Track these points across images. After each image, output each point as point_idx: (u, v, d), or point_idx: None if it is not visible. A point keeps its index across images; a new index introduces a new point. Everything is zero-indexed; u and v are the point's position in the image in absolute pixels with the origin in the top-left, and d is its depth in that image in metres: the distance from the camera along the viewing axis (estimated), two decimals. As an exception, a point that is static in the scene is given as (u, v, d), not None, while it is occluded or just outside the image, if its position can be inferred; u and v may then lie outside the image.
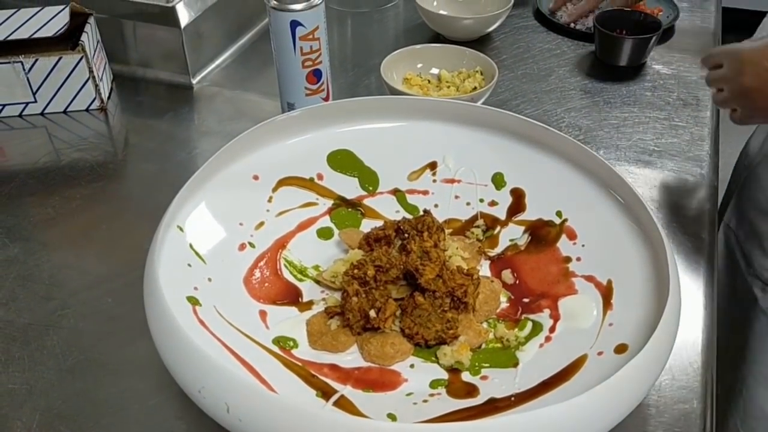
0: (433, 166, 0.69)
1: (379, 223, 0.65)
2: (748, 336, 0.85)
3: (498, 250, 0.64)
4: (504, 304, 0.59)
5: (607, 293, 0.56)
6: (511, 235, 0.65)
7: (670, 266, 0.52)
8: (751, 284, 0.84)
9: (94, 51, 0.84)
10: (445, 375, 0.54)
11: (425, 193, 0.68)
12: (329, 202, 0.67)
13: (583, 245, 0.61)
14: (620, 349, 0.51)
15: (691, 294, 0.62)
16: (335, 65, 0.93)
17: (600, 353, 0.51)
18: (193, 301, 0.54)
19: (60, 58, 0.81)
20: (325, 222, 0.66)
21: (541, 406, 0.43)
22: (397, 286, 0.57)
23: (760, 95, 0.64)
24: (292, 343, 0.55)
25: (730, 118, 0.69)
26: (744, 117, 0.68)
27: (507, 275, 0.61)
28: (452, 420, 0.48)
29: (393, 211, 0.68)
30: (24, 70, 0.81)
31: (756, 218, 0.83)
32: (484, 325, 0.58)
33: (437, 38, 0.98)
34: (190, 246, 0.57)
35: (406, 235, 0.60)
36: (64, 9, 0.83)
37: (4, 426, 0.52)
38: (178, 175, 0.59)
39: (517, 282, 0.61)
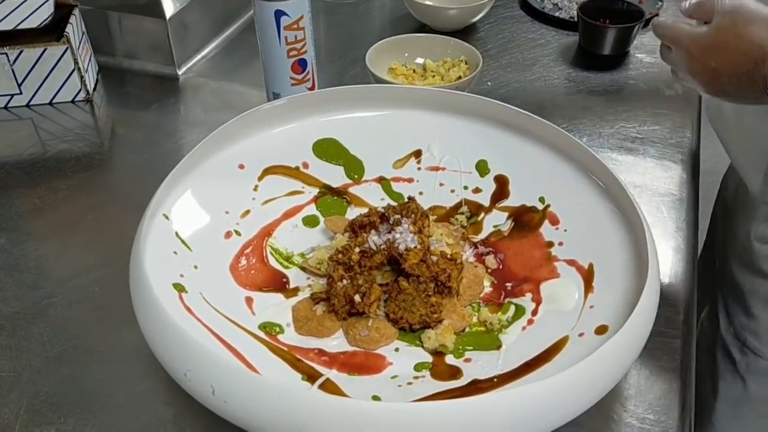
0: (417, 154, 0.70)
1: (365, 210, 0.66)
2: (717, 399, 0.79)
3: (482, 235, 0.65)
4: (487, 288, 0.60)
5: (588, 276, 0.57)
6: (495, 221, 0.65)
7: (649, 249, 0.52)
8: (729, 344, 0.79)
9: (80, 42, 0.84)
10: (429, 358, 0.54)
11: (410, 180, 0.69)
12: (315, 191, 0.68)
13: (565, 230, 0.62)
14: (601, 330, 0.51)
15: (672, 277, 0.63)
16: (321, 56, 0.93)
17: (581, 334, 0.52)
18: (179, 288, 0.54)
19: (45, 50, 0.81)
20: (311, 210, 0.67)
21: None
22: (382, 272, 0.58)
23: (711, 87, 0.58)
24: (278, 329, 0.56)
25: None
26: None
27: (490, 260, 0.62)
28: (436, 401, 0.49)
29: (378, 199, 0.68)
30: (9, 61, 0.81)
31: (738, 272, 0.77)
32: (468, 309, 0.58)
33: (422, 28, 0.99)
34: (176, 234, 0.58)
35: (391, 221, 0.61)
36: (48, 0, 0.83)
37: (-9, 413, 0.52)
38: (164, 165, 0.59)
39: (501, 267, 0.62)
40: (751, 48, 0.52)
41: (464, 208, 0.67)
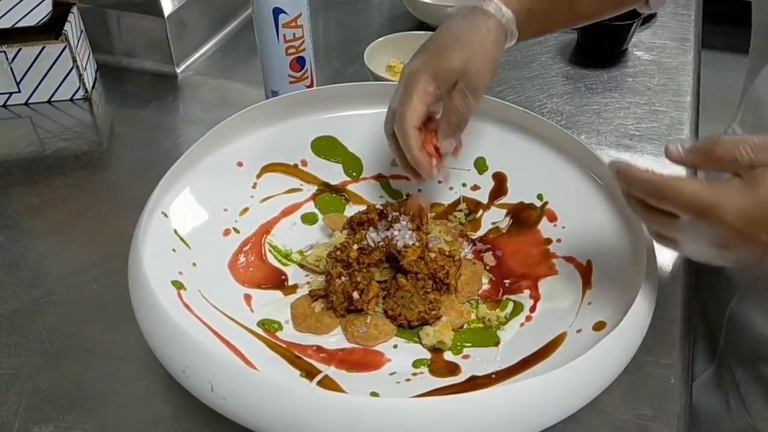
0: (416, 151, 0.70)
1: (363, 208, 0.66)
2: None
3: (480, 233, 0.65)
4: (485, 285, 0.60)
5: (586, 273, 0.57)
6: (494, 218, 0.65)
7: (647, 246, 0.53)
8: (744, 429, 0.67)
9: (78, 40, 0.84)
10: (427, 355, 0.55)
11: (408, 178, 0.69)
12: (313, 188, 0.68)
13: (563, 227, 0.62)
14: (598, 326, 0.52)
15: (669, 273, 0.63)
16: (319, 54, 0.93)
17: (579, 331, 0.52)
18: (178, 285, 0.54)
19: (43, 48, 0.81)
20: (310, 207, 0.67)
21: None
22: (380, 269, 0.58)
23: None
24: (276, 326, 0.56)
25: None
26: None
27: (489, 257, 0.62)
28: (434, 397, 0.49)
29: (377, 197, 0.68)
30: (7, 59, 0.81)
31: (763, 365, 0.65)
32: (466, 305, 0.58)
33: (421, 26, 0.99)
34: (175, 231, 0.58)
35: (389, 218, 0.61)
36: (46, -2, 0.83)
37: (-10, 410, 0.52)
38: (163, 163, 0.59)
39: (499, 264, 0.62)
40: None
41: (462, 206, 0.67)
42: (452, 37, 0.58)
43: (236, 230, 0.62)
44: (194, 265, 0.57)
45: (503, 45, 0.60)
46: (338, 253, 0.58)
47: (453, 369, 0.53)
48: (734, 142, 0.42)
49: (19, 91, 0.84)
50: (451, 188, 0.68)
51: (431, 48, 0.59)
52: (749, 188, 0.41)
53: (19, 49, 0.80)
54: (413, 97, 0.57)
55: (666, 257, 0.65)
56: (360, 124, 0.69)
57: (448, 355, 0.54)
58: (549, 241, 0.61)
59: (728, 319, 0.68)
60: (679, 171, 0.54)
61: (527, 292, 0.58)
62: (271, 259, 0.62)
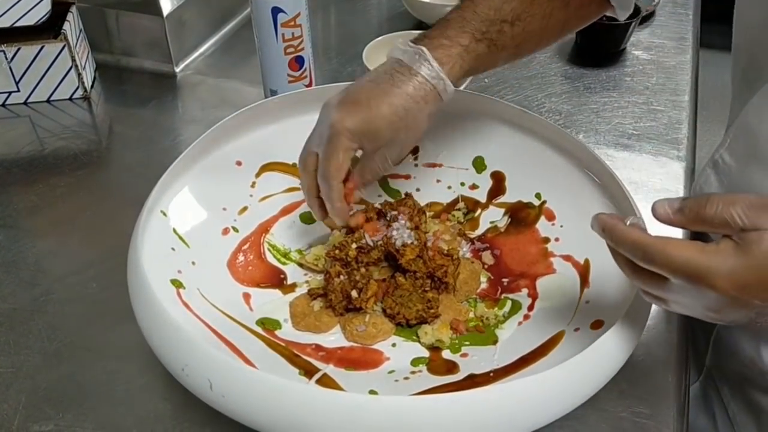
0: (414, 150, 0.70)
1: (362, 207, 0.66)
2: None
3: (478, 232, 0.65)
4: (484, 284, 0.61)
5: (584, 272, 0.57)
6: (492, 217, 0.66)
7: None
8: None
9: (77, 40, 0.84)
10: (426, 353, 0.55)
11: (407, 177, 0.69)
12: (312, 187, 0.68)
13: (561, 226, 0.62)
14: (596, 325, 0.52)
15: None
16: (318, 53, 0.93)
17: (577, 329, 0.53)
18: (177, 284, 0.54)
19: (42, 47, 0.81)
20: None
21: (518, 380, 0.44)
22: (379, 267, 0.58)
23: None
24: (275, 324, 0.56)
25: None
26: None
27: (487, 256, 0.62)
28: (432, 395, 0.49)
29: (375, 196, 0.68)
30: (6, 59, 0.81)
31: (753, 392, 0.63)
32: (465, 304, 0.59)
33: (420, 25, 0.99)
34: (174, 230, 0.58)
35: (388, 218, 0.61)
36: (45, -3, 0.83)
37: (-10, 408, 0.53)
38: (162, 162, 0.59)
39: (497, 262, 0.62)
40: None
41: (461, 205, 0.67)
42: (385, 102, 0.55)
43: (235, 229, 0.62)
44: (193, 263, 0.57)
45: (434, 112, 0.57)
46: (337, 251, 0.58)
47: (451, 367, 0.53)
48: (726, 203, 0.40)
49: (18, 91, 0.84)
50: (449, 187, 0.68)
51: (361, 104, 0.55)
52: (742, 253, 0.39)
53: (18, 49, 0.81)
54: (339, 154, 0.55)
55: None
56: (359, 123, 0.69)
57: (446, 354, 0.55)
58: (547, 240, 0.62)
59: (715, 339, 0.67)
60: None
61: (525, 290, 0.59)
62: (270, 258, 0.62)
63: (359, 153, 0.58)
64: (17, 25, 0.80)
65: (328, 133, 0.55)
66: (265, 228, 0.64)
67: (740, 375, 0.63)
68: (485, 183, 0.67)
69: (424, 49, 0.56)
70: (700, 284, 0.40)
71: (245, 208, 0.64)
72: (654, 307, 0.51)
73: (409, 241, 0.57)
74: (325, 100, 0.63)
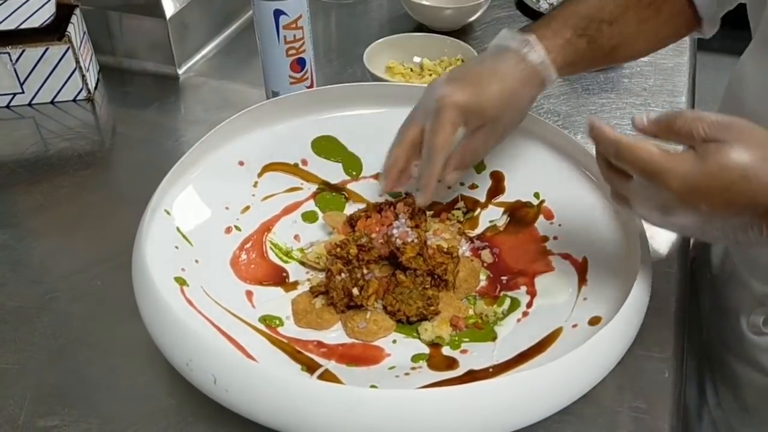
0: (414, 151, 0.71)
1: (363, 206, 0.67)
2: None
3: (478, 230, 0.66)
4: (483, 282, 0.61)
5: (582, 269, 0.58)
6: (491, 216, 0.66)
7: (641, 243, 0.54)
8: (717, 422, 0.70)
9: (81, 42, 0.85)
10: (426, 350, 0.56)
11: (408, 177, 0.70)
12: (314, 187, 0.69)
13: (559, 225, 0.63)
14: (594, 321, 0.53)
15: (664, 269, 0.64)
16: (319, 55, 0.94)
17: (575, 326, 0.53)
18: (181, 281, 0.55)
19: (47, 49, 0.82)
20: (310, 206, 0.68)
21: (516, 375, 0.45)
22: (380, 265, 0.59)
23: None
24: (277, 322, 0.57)
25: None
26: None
27: (486, 254, 0.63)
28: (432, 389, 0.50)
29: (376, 195, 0.69)
30: (11, 60, 0.82)
31: (732, 361, 0.67)
32: (464, 301, 0.59)
33: (420, 28, 1.00)
34: (177, 229, 0.59)
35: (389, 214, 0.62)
36: (50, 0, 0.84)
37: (-4, 404, 0.53)
38: (165, 163, 0.60)
39: (496, 261, 0.63)
40: (764, 189, 0.42)
41: (461, 204, 0.68)
42: (494, 82, 0.58)
43: (238, 228, 0.63)
44: (196, 262, 0.58)
45: (535, 97, 0.61)
46: (338, 250, 0.59)
47: (451, 363, 0.54)
48: (693, 118, 0.44)
49: (23, 92, 0.85)
50: (449, 187, 0.69)
51: (470, 82, 0.58)
52: (699, 160, 0.43)
53: (23, 50, 0.81)
54: (447, 128, 0.57)
55: (661, 253, 0.66)
56: (359, 124, 0.70)
57: (446, 350, 0.55)
58: (545, 238, 0.62)
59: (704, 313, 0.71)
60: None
61: (524, 288, 0.59)
62: (272, 257, 0.63)
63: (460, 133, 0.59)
64: (22, 27, 0.81)
65: (436, 107, 0.57)
66: (267, 227, 0.65)
67: (723, 344, 0.68)
68: (485, 183, 0.68)
69: (533, 36, 0.59)
70: (657, 182, 0.45)
71: (248, 208, 0.65)
72: (650, 303, 0.52)
73: (409, 240, 0.58)
74: (327, 101, 0.64)
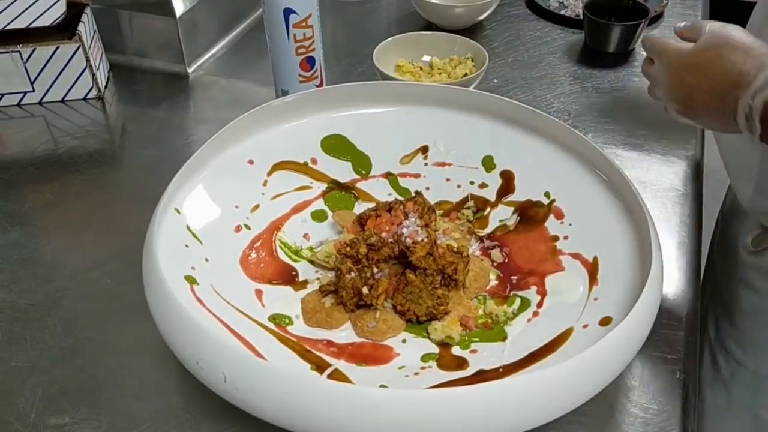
0: (424, 149, 0.70)
1: (372, 205, 0.67)
2: (702, 405, 0.79)
3: (488, 230, 0.66)
4: (493, 281, 0.61)
5: (593, 269, 0.58)
6: (501, 215, 0.66)
7: (653, 243, 0.53)
8: (715, 351, 0.78)
9: (91, 40, 0.86)
10: (435, 349, 0.55)
11: (417, 176, 0.70)
12: (323, 186, 0.69)
13: (570, 224, 0.62)
14: (605, 321, 0.52)
15: (675, 270, 0.64)
16: (329, 54, 0.94)
17: (585, 326, 0.53)
18: (191, 280, 0.55)
19: (57, 48, 0.82)
20: (319, 205, 0.68)
21: (527, 375, 0.45)
22: (389, 264, 0.59)
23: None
24: (287, 320, 0.57)
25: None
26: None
27: (496, 254, 0.63)
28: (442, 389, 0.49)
29: (386, 194, 0.69)
30: (22, 59, 0.82)
31: (725, 281, 0.77)
32: (474, 301, 0.59)
33: (429, 26, 1.00)
34: (188, 227, 0.59)
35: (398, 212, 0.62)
36: (60, -1, 0.84)
37: (7, 401, 0.53)
38: (175, 161, 0.60)
39: (506, 260, 0.62)
40: (730, 70, 0.52)
41: (470, 203, 0.68)
42: None
43: (247, 227, 0.63)
44: (206, 260, 0.58)
45: None
46: (348, 249, 0.58)
47: (461, 363, 0.53)
48: (702, 26, 0.57)
49: (34, 91, 0.85)
50: (459, 186, 0.69)
51: None
52: (696, 45, 0.56)
53: (34, 49, 0.82)
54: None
55: (672, 254, 0.65)
56: (369, 122, 0.70)
57: (456, 350, 0.55)
58: (556, 238, 0.62)
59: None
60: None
61: (534, 288, 0.59)
62: (282, 256, 0.63)
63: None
64: (33, 26, 0.81)
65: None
66: (276, 226, 0.65)
67: (726, 275, 0.76)
68: (494, 182, 0.68)
69: None
70: (660, 59, 0.60)
71: (257, 206, 0.65)
72: (662, 304, 0.51)
73: (419, 239, 0.58)
74: (337, 99, 0.64)
